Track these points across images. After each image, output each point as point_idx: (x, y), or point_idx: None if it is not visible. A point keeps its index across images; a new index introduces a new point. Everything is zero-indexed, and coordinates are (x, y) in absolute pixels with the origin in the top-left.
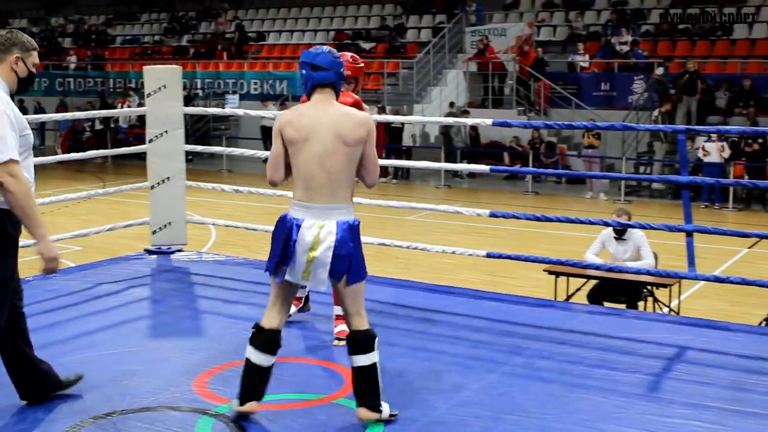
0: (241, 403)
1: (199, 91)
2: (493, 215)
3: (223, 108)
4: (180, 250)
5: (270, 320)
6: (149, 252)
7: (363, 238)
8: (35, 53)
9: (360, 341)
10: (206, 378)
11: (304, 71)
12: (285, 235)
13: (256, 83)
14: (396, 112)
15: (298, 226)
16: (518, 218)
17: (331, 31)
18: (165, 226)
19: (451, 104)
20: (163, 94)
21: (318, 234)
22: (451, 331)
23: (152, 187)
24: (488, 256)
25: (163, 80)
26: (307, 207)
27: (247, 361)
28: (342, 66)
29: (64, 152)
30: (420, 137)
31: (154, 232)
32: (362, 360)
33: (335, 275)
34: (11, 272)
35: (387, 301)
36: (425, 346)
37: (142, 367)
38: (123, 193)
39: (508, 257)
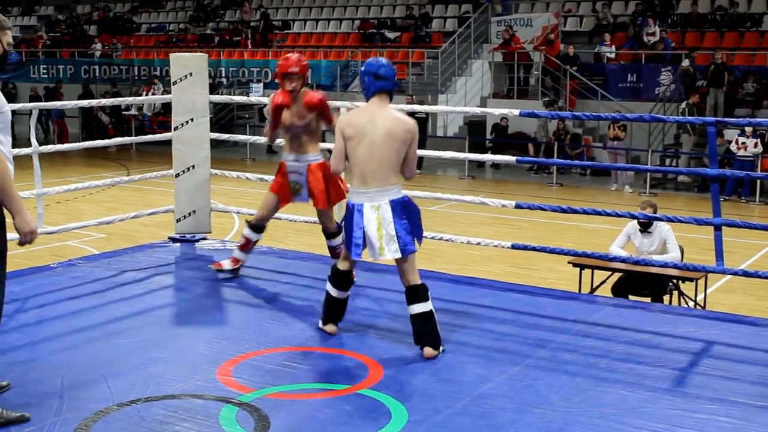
0: (324, 324)
1: (224, 80)
2: (518, 206)
3: (248, 96)
4: (204, 239)
5: (343, 265)
6: (173, 240)
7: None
8: (9, 32)
9: (420, 292)
10: (230, 367)
11: (366, 78)
12: (352, 220)
13: None
14: (421, 102)
15: (360, 211)
16: (544, 209)
17: (356, 20)
18: (189, 214)
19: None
20: (188, 81)
21: (378, 214)
22: (475, 323)
23: (177, 175)
24: (513, 247)
25: (189, 68)
26: (363, 192)
27: (327, 294)
28: (396, 75)
29: (59, 140)
30: (442, 128)
31: (178, 220)
32: (422, 307)
33: (402, 243)
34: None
35: None
36: (449, 337)
37: (166, 354)
38: (147, 181)
39: (533, 249)
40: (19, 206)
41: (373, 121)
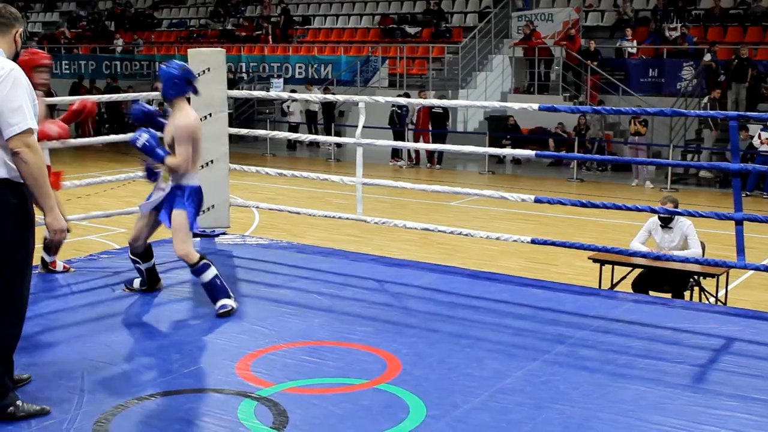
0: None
1: (244, 75)
2: (538, 201)
3: (268, 92)
4: (224, 233)
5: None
6: (193, 234)
7: (407, 223)
8: (22, 27)
9: (151, 251)
10: (249, 361)
11: (177, 81)
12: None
13: (300, 67)
14: (441, 98)
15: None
16: (564, 204)
17: (376, 16)
18: (208, 209)
19: None
20: (207, 77)
21: None
22: (493, 318)
23: None
24: (533, 242)
25: (208, 63)
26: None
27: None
28: None
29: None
30: (462, 123)
31: None
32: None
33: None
34: (32, 249)
35: (430, 286)
36: (467, 332)
37: (185, 348)
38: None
39: (553, 244)
40: (52, 204)
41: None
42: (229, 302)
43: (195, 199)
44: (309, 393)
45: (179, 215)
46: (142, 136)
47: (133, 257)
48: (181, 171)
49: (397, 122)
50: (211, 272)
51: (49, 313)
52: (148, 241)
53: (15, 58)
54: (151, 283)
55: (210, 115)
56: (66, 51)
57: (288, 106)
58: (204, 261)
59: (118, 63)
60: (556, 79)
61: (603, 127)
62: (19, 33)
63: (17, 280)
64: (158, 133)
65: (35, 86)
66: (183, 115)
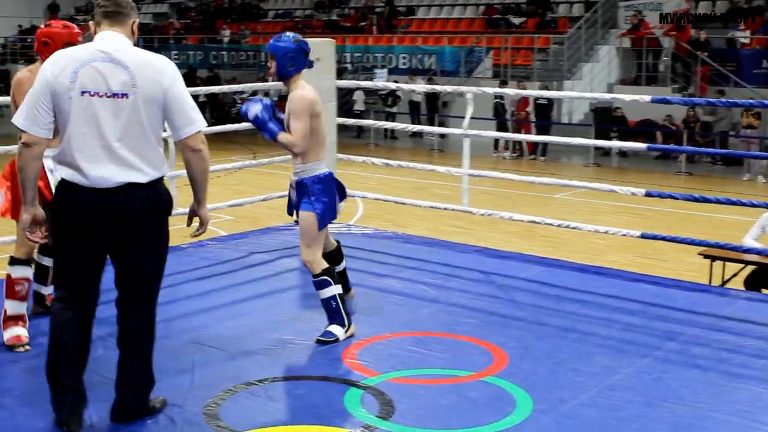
0: (348, 328)
1: (348, 65)
2: (648, 195)
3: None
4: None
5: (321, 260)
6: (299, 223)
7: (513, 215)
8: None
9: (340, 253)
10: (355, 350)
11: (293, 55)
12: (332, 189)
13: (404, 58)
14: (545, 88)
15: (334, 179)
16: (675, 198)
17: (480, 6)
18: None
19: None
20: (316, 67)
21: None
22: (602, 313)
23: None
24: (643, 237)
25: (317, 53)
26: (325, 162)
27: (336, 296)
28: None
29: None
30: (567, 115)
31: None
32: (342, 265)
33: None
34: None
35: (536, 279)
36: (575, 326)
37: (292, 336)
38: (273, 165)
39: (663, 239)
40: (206, 196)
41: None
42: (338, 331)
43: (325, 190)
44: (415, 383)
45: (306, 217)
46: (254, 107)
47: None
48: (297, 151)
49: (502, 113)
50: (329, 290)
51: (161, 298)
52: (331, 241)
53: None
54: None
55: None
56: (175, 42)
57: (353, 97)
58: (325, 277)
59: (225, 53)
60: (665, 70)
61: (728, 118)
62: (136, 23)
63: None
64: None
65: None
66: (300, 90)
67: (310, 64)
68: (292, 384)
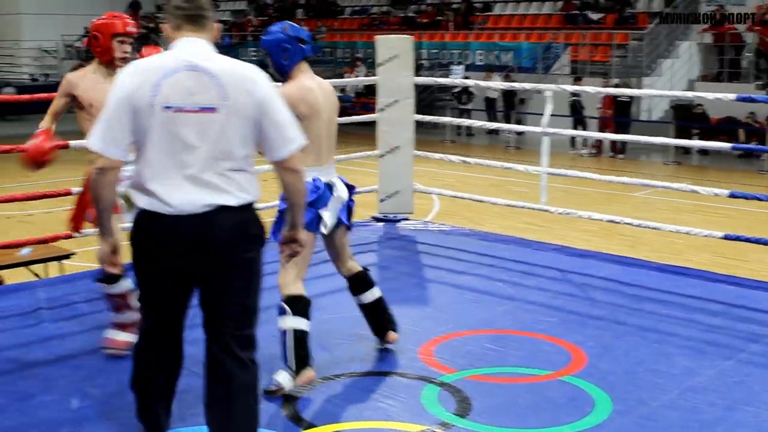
0: (299, 371)
1: (424, 62)
2: (732, 196)
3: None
4: (406, 219)
5: (298, 286)
6: (376, 219)
7: (592, 214)
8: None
9: (365, 280)
10: (432, 347)
11: (289, 46)
12: (321, 193)
13: (481, 54)
14: (625, 85)
15: (326, 187)
16: (760, 200)
17: (558, 1)
18: (393, 194)
19: None
20: (394, 63)
21: (338, 193)
22: (682, 313)
23: (381, 156)
24: (726, 238)
25: (395, 50)
26: (318, 169)
27: (295, 332)
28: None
29: None
30: (647, 112)
31: (382, 200)
32: (371, 295)
33: (346, 221)
34: None
35: (614, 278)
36: (655, 327)
37: (369, 332)
38: (350, 161)
39: (747, 240)
40: (302, 219)
41: (321, 95)
42: (283, 378)
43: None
44: (492, 381)
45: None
46: None
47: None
48: None
49: (579, 110)
50: (285, 322)
51: None
52: (350, 265)
53: None
54: (378, 328)
55: (396, 101)
56: (253, 39)
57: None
58: (284, 304)
59: None
60: (748, 66)
61: None
62: (217, 28)
63: None
64: None
65: (114, 60)
66: (287, 86)
67: (310, 51)
68: (369, 379)
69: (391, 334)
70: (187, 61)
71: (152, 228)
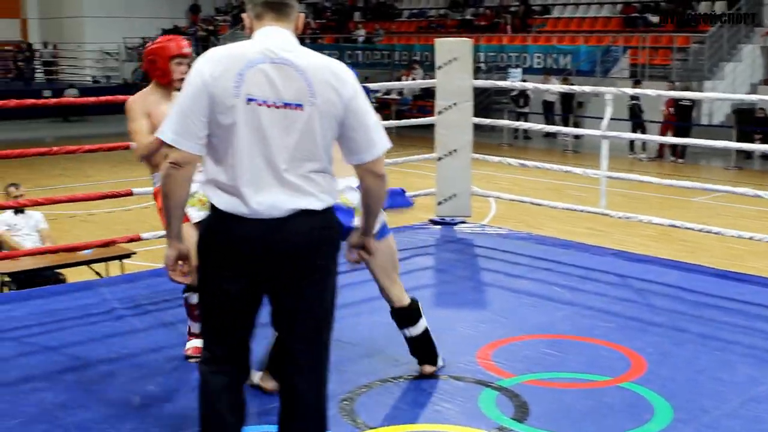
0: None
1: (482, 65)
2: None
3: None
4: (463, 222)
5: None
6: (433, 222)
7: (652, 219)
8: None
9: (414, 312)
10: (490, 351)
11: None
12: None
13: (539, 57)
14: (685, 89)
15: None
16: None
17: (618, 4)
18: (450, 197)
19: None
20: (453, 66)
21: None
22: (745, 321)
23: (439, 159)
24: None
25: (454, 53)
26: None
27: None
28: None
29: None
30: (707, 116)
31: (439, 203)
32: (417, 329)
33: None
34: None
35: (674, 284)
36: (716, 334)
37: None
38: (407, 164)
39: None
40: (375, 225)
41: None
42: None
43: None
44: (550, 386)
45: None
46: None
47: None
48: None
49: (638, 114)
50: (423, 323)
51: None
52: (389, 288)
53: None
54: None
55: (455, 104)
56: (311, 41)
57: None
58: (416, 311)
59: (359, 52)
60: None
61: None
62: (301, 18)
63: None
64: None
65: (172, 82)
66: None
67: None
68: (426, 382)
69: (427, 368)
70: (271, 52)
71: (228, 231)
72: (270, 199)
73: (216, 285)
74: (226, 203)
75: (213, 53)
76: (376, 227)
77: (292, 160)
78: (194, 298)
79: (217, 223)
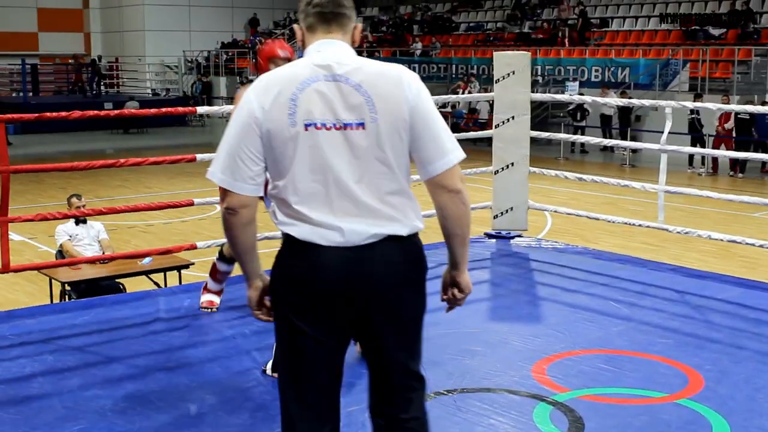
0: None
1: (539, 78)
2: None
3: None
4: (519, 236)
5: None
6: (489, 236)
7: (711, 234)
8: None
9: None
10: (545, 365)
11: None
12: None
13: (597, 70)
14: (747, 103)
15: None
16: None
17: (678, 17)
18: (507, 211)
19: None
20: (511, 80)
21: None
22: None
23: (496, 172)
24: None
25: (512, 66)
26: None
27: None
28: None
29: None
30: None
31: (495, 217)
32: None
33: None
34: None
35: (734, 301)
36: None
37: (482, 348)
38: (465, 177)
39: None
40: (467, 257)
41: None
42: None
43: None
44: (606, 402)
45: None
46: None
47: None
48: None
49: (698, 128)
50: None
51: None
52: None
53: None
54: None
55: (513, 117)
56: (368, 54)
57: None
58: None
59: (416, 65)
60: None
61: None
62: (358, 29)
63: None
64: None
65: None
66: None
67: None
68: (480, 396)
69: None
70: (325, 68)
71: (304, 262)
72: (351, 226)
73: (296, 327)
74: (301, 231)
75: (261, 80)
76: (466, 258)
77: (361, 180)
78: (223, 266)
79: (289, 254)
